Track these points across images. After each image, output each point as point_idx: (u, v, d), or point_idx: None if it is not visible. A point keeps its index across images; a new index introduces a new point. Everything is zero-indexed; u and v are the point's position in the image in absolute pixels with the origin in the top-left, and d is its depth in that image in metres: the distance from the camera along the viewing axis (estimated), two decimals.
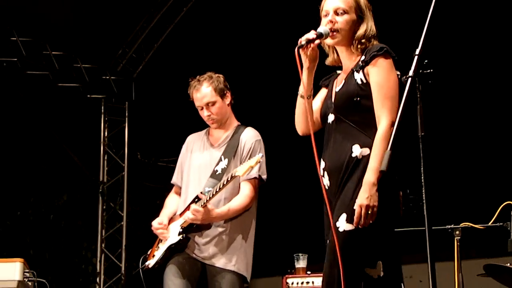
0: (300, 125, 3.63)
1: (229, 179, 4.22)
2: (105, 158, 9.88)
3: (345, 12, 3.52)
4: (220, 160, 4.50)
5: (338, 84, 3.56)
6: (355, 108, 3.44)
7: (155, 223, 4.54)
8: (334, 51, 3.64)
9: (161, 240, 4.59)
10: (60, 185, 10.14)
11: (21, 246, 9.55)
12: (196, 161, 4.61)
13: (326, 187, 3.46)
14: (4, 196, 9.77)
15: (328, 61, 3.67)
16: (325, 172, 3.48)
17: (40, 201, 10.05)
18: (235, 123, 4.67)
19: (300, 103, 3.57)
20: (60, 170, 10.14)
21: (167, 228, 4.55)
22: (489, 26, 8.37)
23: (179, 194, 4.72)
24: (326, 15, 3.54)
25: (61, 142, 9.86)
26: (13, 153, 9.80)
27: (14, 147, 9.81)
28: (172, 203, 4.72)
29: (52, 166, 10.14)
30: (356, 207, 3.25)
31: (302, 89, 3.52)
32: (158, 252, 4.54)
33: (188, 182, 4.60)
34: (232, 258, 4.40)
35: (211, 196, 4.29)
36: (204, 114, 4.56)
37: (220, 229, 4.43)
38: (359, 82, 3.46)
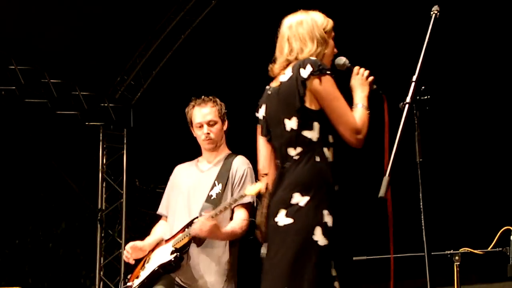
0: None
1: (241, 195, 4.20)
2: (104, 185, 9.84)
3: None
4: (214, 185, 4.49)
5: None
6: None
7: (127, 247, 4.56)
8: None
9: (146, 262, 4.54)
10: (58, 213, 10.11)
11: (20, 275, 9.50)
12: (185, 187, 4.59)
13: None
14: (2, 225, 9.74)
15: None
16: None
17: (39, 229, 10.01)
18: (226, 150, 4.68)
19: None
20: (58, 198, 10.11)
21: (149, 255, 4.54)
22: (487, 51, 8.41)
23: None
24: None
25: (59, 169, 9.86)
26: (11, 181, 9.79)
27: (12, 175, 9.80)
28: (159, 230, 4.70)
29: (51, 194, 10.12)
30: None
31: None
32: (145, 272, 4.47)
33: (175, 209, 4.58)
34: (218, 282, 4.38)
35: (218, 212, 4.26)
36: (203, 131, 4.55)
37: (207, 253, 4.40)
38: None
